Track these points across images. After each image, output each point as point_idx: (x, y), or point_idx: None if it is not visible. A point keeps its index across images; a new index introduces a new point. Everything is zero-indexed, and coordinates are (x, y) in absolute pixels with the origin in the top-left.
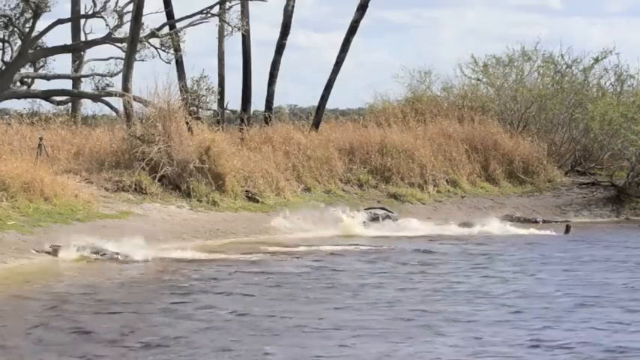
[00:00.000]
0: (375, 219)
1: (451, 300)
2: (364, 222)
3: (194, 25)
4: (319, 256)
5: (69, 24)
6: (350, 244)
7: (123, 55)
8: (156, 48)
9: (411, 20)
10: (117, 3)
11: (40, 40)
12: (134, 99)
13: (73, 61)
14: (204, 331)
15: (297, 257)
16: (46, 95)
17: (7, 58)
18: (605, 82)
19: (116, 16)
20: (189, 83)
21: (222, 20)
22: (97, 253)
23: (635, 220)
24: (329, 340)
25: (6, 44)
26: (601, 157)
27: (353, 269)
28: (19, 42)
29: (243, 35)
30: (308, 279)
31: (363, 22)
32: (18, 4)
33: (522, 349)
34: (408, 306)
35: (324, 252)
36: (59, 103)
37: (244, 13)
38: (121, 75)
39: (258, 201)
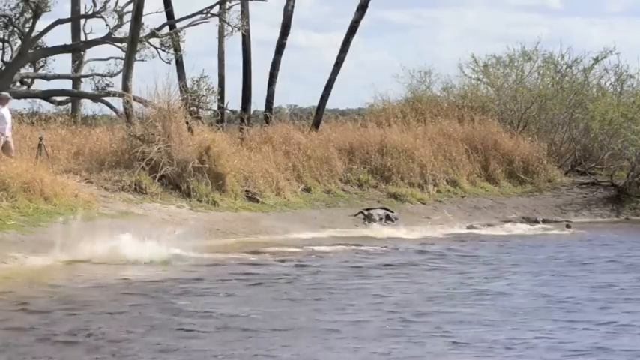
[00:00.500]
0: (374, 220)
1: (437, 301)
2: (364, 222)
3: (194, 25)
4: (315, 257)
5: (69, 24)
6: (348, 245)
7: (123, 55)
8: (156, 48)
9: (411, 20)
10: (117, 3)
11: (40, 40)
12: (134, 99)
13: (73, 61)
14: (169, 332)
15: (293, 258)
16: (46, 95)
17: (7, 58)
18: (605, 82)
19: (116, 16)
20: (189, 83)
21: (222, 20)
22: None
23: (634, 220)
24: (302, 341)
25: (6, 44)
26: (601, 157)
27: (343, 270)
28: (19, 42)
29: (243, 35)
30: (297, 280)
31: (363, 22)
32: (18, 4)
33: (501, 350)
34: (395, 307)
35: (321, 252)
36: (59, 103)
37: (244, 13)
38: (121, 75)
39: (258, 201)
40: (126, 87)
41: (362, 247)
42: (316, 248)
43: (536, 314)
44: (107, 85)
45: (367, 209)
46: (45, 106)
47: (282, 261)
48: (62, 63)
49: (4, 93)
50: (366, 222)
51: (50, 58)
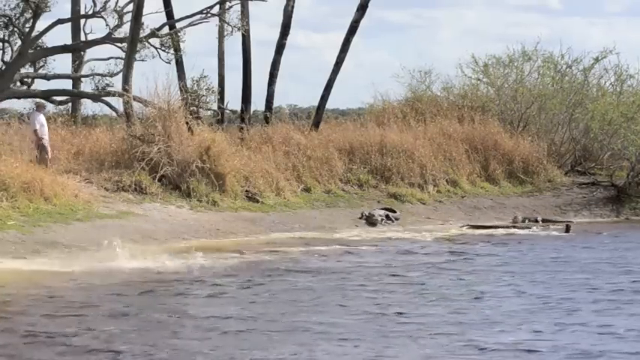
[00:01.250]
0: (375, 220)
1: (421, 301)
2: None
3: (194, 25)
4: (311, 257)
5: (69, 24)
6: (346, 245)
7: (123, 55)
8: (156, 48)
9: (411, 20)
10: (117, 3)
11: (40, 40)
12: (134, 99)
13: (73, 61)
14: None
15: (288, 258)
16: (46, 95)
17: (7, 58)
18: (605, 82)
19: (116, 16)
20: (189, 83)
21: (222, 20)
22: None
23: (635, 220)
24: (283, 343)
25: (6, 44)
26: (601, 157)
27: (337, 271)
28: (19, 42)
29: (243, 35)
30: (286, 281)
31: (362, 22)
32: (18, 4)
33: (475, 352)
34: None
35: (319, 252)
36: (59, 103)
37: (244, 13)
38: (121, 75)
39: (258, 201)
40: (126, 87)
41: (359, 248)
42: (314, 248)
43: (518, 316)
44: (107, 85)
45: (369, 212)
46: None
47: (276, 261)
48: (62, 63)
49: (41, 100)
50: (367, 223)
51: (50, 58)
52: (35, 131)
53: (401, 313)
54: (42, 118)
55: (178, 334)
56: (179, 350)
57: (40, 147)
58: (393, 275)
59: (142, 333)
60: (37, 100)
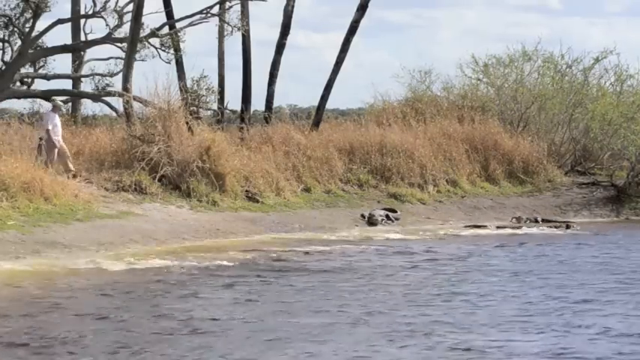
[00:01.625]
0: (375, 221)
1: (409, 303)
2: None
3: (194, 25)
4: (307, 257)
5: (69, 24)
6: (344, 245)
7: (123, 55)
8: (156, 48)
9: (411, 20)
10: (117, 3)
11: (40, 40)
12: (134, 99)
13: (73, 61)
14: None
15: (284, 258)
16: (46, 95)
17: (7, 58)
18: (605, 82)
19: (116, 16)
20: (189, 83)
21: (222, 20)
22: None
23: (635, 220)
24: (258, 343)
25: (6, 44)
26: (601, 157)
27: (327, 270)
28: (19, 42)
29: (243, 35)
30: (274, 282)
31: (362, 22)
32: (18, 4)
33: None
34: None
35: (316, 253)
36: None
37: (244, 13)
38: (121, 75)
39: (258, 201)
40: (126, 87)
41: (357, 248)
42: (312, 248)
43: (506, 316)
44: (107, 85)
45: (370, 212)
46: (45, 106)
47: (272, 261)
48: (62, 63)
49: (58, 102)
50: (367, 223)
51: (50, 58)
52: (48, 131)
53: (387, 314)
54: (56, 118)
55: (152, 335)
56: (149, 351)
57: (40, 147)
58: (387, 275)
59: (114, 333)
60: (56, 101)
